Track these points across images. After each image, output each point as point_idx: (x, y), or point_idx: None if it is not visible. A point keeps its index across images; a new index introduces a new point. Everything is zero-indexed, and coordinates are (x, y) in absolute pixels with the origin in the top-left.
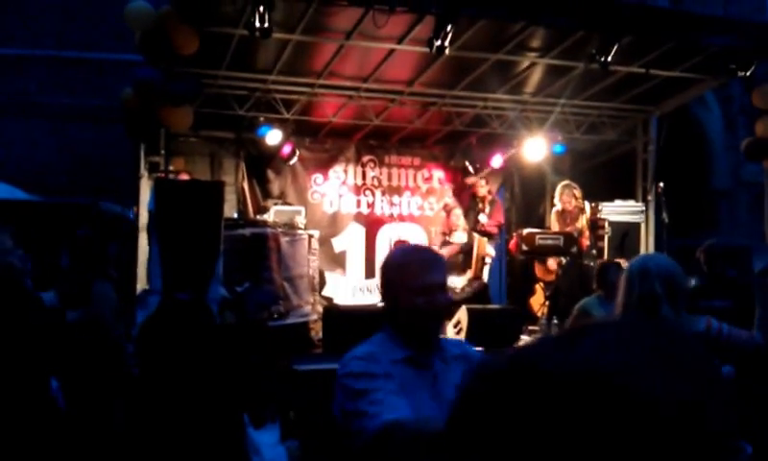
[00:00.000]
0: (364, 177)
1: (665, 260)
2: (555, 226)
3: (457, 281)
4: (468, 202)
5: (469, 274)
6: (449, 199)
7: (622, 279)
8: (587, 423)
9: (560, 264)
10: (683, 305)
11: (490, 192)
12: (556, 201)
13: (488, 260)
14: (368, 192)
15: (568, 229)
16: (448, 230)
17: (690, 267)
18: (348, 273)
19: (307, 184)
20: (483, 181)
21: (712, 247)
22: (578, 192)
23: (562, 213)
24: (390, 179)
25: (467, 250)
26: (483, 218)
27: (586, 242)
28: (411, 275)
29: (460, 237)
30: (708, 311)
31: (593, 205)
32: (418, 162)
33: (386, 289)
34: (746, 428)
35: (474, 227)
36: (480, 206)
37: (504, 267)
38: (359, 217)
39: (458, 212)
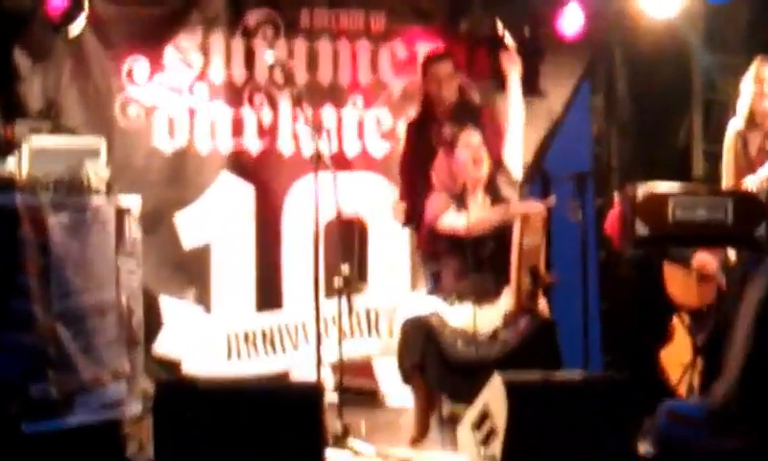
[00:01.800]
0: (250, 63)
1: None
2: (727, 173)
3: (481, 317)
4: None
5: (507, 298)
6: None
7: None
8: None
9: (726, 269)
10: None
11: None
12: (745, 90)
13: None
14: (259, 99)
15: (749, 184)
16: (455, 190)
17: None
18: (215, 298)
19: (111, 84)
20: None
21: None
22: None
23: (745, 135)
24: (313, 66)
25: (497, 238)
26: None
27: None
28: None
29: (482, 207)
30: None
31: None
32: (380, 26)
33: None
34: None
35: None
36: None
37: (593, 278)
38: (240, 161)
39: (475, 141)
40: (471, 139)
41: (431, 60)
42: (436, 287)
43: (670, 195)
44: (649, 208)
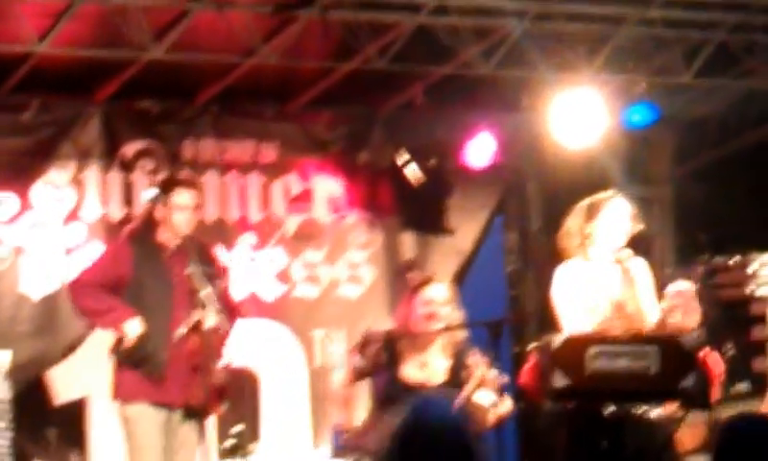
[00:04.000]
0: (128, 198)
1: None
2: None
3: None
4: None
5: None
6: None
7: None
8: None
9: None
10: None
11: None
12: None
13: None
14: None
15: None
16: (415, 346)
17: None
18: None
19: None
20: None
21: None
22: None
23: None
24: (199, 200)
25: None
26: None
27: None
28: None
29: (439, 368)
30: None
31: (734, 263)
32: (272, 157)
33: None
34: None
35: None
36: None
37: (509, 434)
38: None
39: (440, 297)
40: (434, 294)
41: (172, 182)
42: (343, 443)
43: (589, 342)
44: (567, 358)
